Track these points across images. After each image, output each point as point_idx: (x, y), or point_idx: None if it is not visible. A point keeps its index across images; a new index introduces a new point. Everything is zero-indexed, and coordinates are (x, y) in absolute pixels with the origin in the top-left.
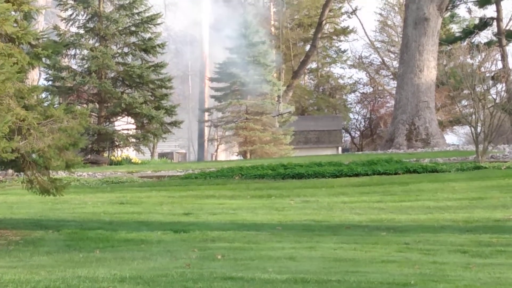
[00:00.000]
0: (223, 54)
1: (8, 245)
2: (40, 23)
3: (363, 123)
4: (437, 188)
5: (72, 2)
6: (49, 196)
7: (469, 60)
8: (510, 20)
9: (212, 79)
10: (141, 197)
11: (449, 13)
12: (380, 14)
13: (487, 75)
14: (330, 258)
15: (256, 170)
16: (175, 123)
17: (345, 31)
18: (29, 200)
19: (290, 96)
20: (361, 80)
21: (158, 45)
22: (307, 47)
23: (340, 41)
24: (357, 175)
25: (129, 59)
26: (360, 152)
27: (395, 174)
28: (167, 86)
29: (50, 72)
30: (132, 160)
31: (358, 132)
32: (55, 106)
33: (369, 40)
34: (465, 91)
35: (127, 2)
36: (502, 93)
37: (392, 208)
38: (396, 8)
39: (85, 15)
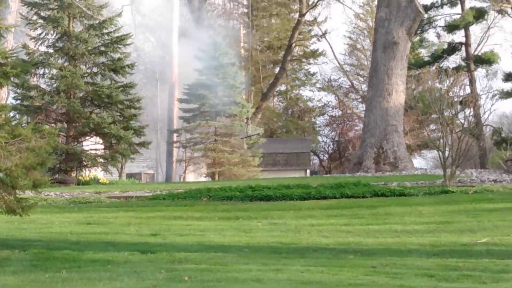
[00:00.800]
0: (193, 75)
1: None
2: (9, 42)
3: (331, 146)
4: (404, 212)
5: (42, 22)
6: (16, 216)
7: (437, 85)
8: (478, 45)
9: (181, 100)
10: (108, 217)
11: (418, 38)
12: (350, 37)
13: (455, 99)
14: (297, 281)
15: (224, 191)
16: (143, 144)
17: (314, 54)
18: None
19: (259, 118)
20: (330, 103)
21: (127, 65)
22: (277, 69)
23: (310, 63)
24: (325, 197)
25: (98, 79)
26: (328, 175)
27: (363, 197)
28: (136, 106)
29: (18, 91)
30: (100, 180)
31: (327, 155)
32: (23, 125)
33: (338, 63)
34: (433, 115)
35: (97, 22)
36: (470, 117)
37: (359, 231)
38: (366, 32)
39: (54, 34)
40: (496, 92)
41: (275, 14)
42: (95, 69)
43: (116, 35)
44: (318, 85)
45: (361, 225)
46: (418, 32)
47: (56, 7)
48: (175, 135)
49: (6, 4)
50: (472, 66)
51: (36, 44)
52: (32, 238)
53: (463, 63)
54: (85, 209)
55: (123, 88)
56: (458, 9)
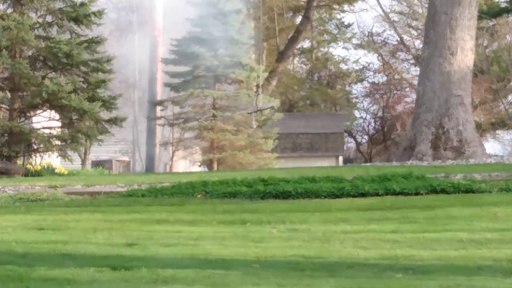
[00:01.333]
0: (183, 27)
1: None
2: None
3: (372, 124)
4: (472, 215)
5: None
6: None
7: None
8: None
9: (166, 61)
10: (67, 220)
11: None
12: None
13: None
14: None
15: (225, 186)
16: (115, 121)
17: None
18: None
19: (274, 86)
20: (371, 65)
21: (93, 13)
22: (298, 19)
23: (343, 11)
24: (363, 195)
25: (54, 31)
26: (368, 164)
27: (416, 194)
28: (105, 69)
29: None
30: (56, 170)
31: (366, 136)
32: None
33: (383, 10)
34: None
35: None
36: None
37: (411, 241)
38: None
39: None
40: None
41: None
42: (49, 18)
43: None
44: (354, 41)
45: (413, 233)
46: None
47: None
48: (158, 108)
49: None
50: None
51: None
52: None
53: None
54: (35, 209)
55: (87, 44)
56: None
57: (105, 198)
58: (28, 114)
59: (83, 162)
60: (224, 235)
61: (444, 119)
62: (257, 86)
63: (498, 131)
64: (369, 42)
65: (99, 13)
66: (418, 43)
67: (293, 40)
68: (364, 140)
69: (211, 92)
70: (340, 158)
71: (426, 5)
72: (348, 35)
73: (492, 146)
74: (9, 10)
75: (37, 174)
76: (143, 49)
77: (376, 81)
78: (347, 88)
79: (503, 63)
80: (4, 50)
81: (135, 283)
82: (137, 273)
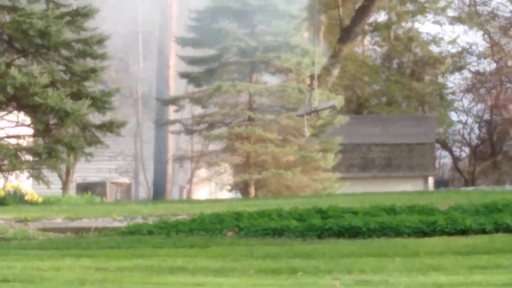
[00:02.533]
0: None
1: None
2: None
3: (476, 132)
4: None
5: None
6: None
7: None
8: None
9: (183, 42)
10: (42, 269)
11: None
12: None
13: None
14: None
15: (267, 219)
16: (110, 126)
17: None
18: None
19: (336, 77)
20: (473, 47)
21: None
22: None
23: None
24: (464, 232)
25: (23, 0)
26: (470, 188)
27: None
28: (96, 53)
29: None
30: (27, 197)
31: (467, 149)
32: None
33: None
34: None
35: None
36: None
37: None
38: None
39: None
40: None
41: None
42: None
43: None
44: (450, 13)
45: None
46: None
47: None
48: (171, 109)
49: None
50: None
51: None
52: None
53: None
54: None
55: (70, 18)
56: None
57: (97, 237)
58: None
59: (65, 186)
60: None
61: None
62: (312, 77)
63: None
64: (471, 15)
65: None
66: None
67: (363, 11)
68: (464, 154)
69: (246, 85)
70: (430, 180)
71: None
72: (441, 4)
73: None
74: None
75: (0, 202)
76: (150, 25)
77: (481, 70)
78: (440, 79)
79: None
80: None
81: None
82: None
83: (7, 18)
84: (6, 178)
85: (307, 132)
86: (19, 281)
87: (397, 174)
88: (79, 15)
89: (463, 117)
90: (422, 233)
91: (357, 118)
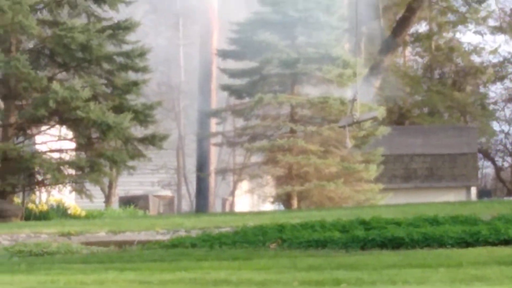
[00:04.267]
0: (247, 5)
1: None
2: None
3: None
4: None
5: None
6: None
7: None
8: None
9: (224, 54)
10: (86, 283)
11: None
12: None
13: None
14: None
15: (310, 231)
16: (152, 140)
17: None
18: None
19: (378, 87)
20: None
21: None
22: None
23: None
24: (508, 242)
25: (65, 13)
26: None
27: None
28: (138, 67)
29: None
30: (70, 211)
31: (510, 159)
32: None
33: None
34: None
35: None
36: None
37: None
38: None
39: None
40: None
41: None
42: None
43: None
44: (491, 22)
45: None
46: None
47: None
48: (213, 121)
49: None
50: None
51: None
52: None
53: None
54: (41, 266)
55: (112, 32)
56: None
57: (140, 250)
58: (29, 131)
59: (108, 200)
60: None
61: None
62: (354, 88)
63: None
64: None
65: None
66: None
67: (404, 22)
68: (506, 164)
69: (288, 97)
70: (473, 190)
71: None
72: (483, 14)
73: None
74: None
75: (43, 216)
76: (191, 38)
77: None
78: (482, 89)
79: None
80: None
81: None
82: None
83: (48, 32)
84: (49, 192)
85: (349, 143)
86: None
87: (439, 184)
88: (120, 29)
89: (505, 127)
90: (465, 243)
91: (399, 129)
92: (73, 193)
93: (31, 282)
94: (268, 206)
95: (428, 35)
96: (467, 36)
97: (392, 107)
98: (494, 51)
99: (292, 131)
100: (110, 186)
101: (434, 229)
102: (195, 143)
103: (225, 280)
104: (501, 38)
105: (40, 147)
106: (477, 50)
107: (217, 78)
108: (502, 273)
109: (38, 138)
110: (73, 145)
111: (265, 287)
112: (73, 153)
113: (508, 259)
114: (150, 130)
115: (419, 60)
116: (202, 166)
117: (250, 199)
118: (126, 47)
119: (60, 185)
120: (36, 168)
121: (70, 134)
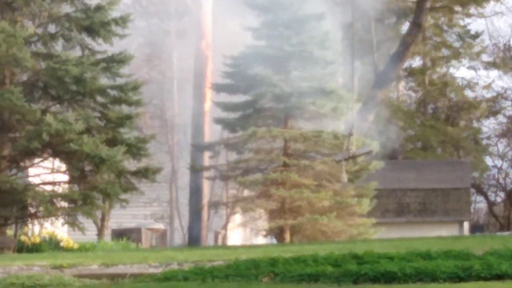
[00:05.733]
0: (240, 38)
1: None
2: None
3: (511, 176)
4: None
5: None
6: None
7: None
8: None
9: (218, 88)
10: None
11: None
12: None
13: None
14: None
15: (303, 265)
16: (145, 173)
17: None
18: None
19: (371, 121)
20: (508, 92)
21: (114, 20)
22: (405, 27)
23: (469, 15)
24: (500, 277)
25: (59, 46)
26: (506, 233)
27: None
28: (132, 100)
29: None
30: (62, 244)
31: (502, 194)
32: None
33: None
34: None
35: None
36: None
37: None
38: None
39: None
40: None
41: None
42: (52, 28)
43: None
44: (485, 58)
45: None
46: None
47: None
48: (206, 155)
49: None
50: None
51: None
52: None
53: None
54: None
55: (106, 65)
56: None
57: (132, 284)
58: (22, 163)
59: (100, 232)
60: None
61: None
62: (349, 123)
63: None
64: (506, 60)
65: (123, 21)
66: None
67: (398, 57)
68: (499, 199)
69: (281, 131)
70: (466, 225)
71: None
72: (476, 49)
73: None
74: None
75: (35, 249)
76: (184, 71)
77: None
78: (475, 124)
79: None
80: None
81: None
82: None
83: (42, 65)
84: (41, 225)
85: (345, 177)
86: None
87: (432, 219)
88: (114, 62)
89: (498, 162)
90: (458, 278)
91: (392, 164)
92: (66, 225)
93: None
94: (260, 240)
95: (422, 70)
96: (460, 71)
97: (385, 141)
98: (488, 86)
99: (285, 165)
100: (103, 219)
101: (426, 263)
102: (188, 176)
103: None
104: (494, 73)
105: (33, 180)
106: (470, 85)
107: (211, 111)
108: None
109: (31, 171)
110: (66, 177)
111: None
112: (66, 185)
113: None
114: (143, 163)
115: (413, 94)
116: (195, 199)
117: (243, 233)
118: (119, 80)
119: (53, 218)
120: (29, 201)
121: (63, 166)
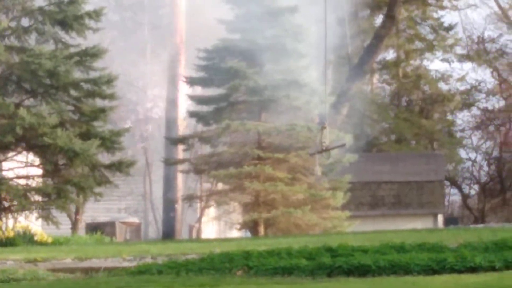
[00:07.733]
0: (215, 31)
1: None
2: None
3: (485, 169)
4: None
5: None
6: None
7: None
8: None
9: (192, 81)
10: None
11: None
12: None
13: None
14: None
15: (277, 258)
16: (119, 166)
17: None
18: None
19: (345, 115)
20: (482, 84)
21: (87, 13)
22: (378, 20)
23: (442, 8)
24: (474, 269)
25: (32, 40)
26: (480, 225)
27: None
28: (105, 93)
29: None
30: (36, 237)
31: (476, 186)
32: None
33: (500, 7)
34: None
35: None
36: None
37: None
38: None
39: None
40: None
41: None
42: (25, 22)
43: None
44: (459, 50)
45: None
46: None
47: None
48: (180, 148)
49: None
50: None
51: None
52: None
53: None
54: None
55: (79, 58)
56: None
57: (106, 277)
58: None
59: (74, 226)
60: None
61: None
62: (322, 116)
63: None
64: (480, 52)
65: (96, 14)
66: None
67: (372, 49)
68: (473, 192)
69: (255, 124)
70: (440, 217)
71: None
72: (450, 41)
73: None
74: None
75: (9, 243)
76: (158, 64)
77: (490, 107)
78: (449, 117)
79: None
80: None
81: None
82: None
83: (16, 58)
84: (15, 219)
85: (319, 171)
86: None
87: (406, 212)
88: (88, 55)
89: (472, 155)
90: (431, 270)
91: (366, 157)
92: (40, 219)
93: None
94: (235, 233)
95: (396, 63)
96: (434, 64)
97: (359, 134)
98: (462, 79)
99: (259, 158)
100: (77, 213)
101: (400, 256)
102: (162, 170)
103: None
104: (468, 65)
105: (6, 174)
106: (444, 78)
107: (185, 104)
108: None
109: (4, 165)
110: (40, 171)
111: None
112: (40, 179)
113: (474, 286)
114: (117, 156)
115: (387, 87)
116: (169, 193)
117: (217, 226)
118: (93, 74)
119: (27, 212)
120: (3, 195)
121: (37, 160)
